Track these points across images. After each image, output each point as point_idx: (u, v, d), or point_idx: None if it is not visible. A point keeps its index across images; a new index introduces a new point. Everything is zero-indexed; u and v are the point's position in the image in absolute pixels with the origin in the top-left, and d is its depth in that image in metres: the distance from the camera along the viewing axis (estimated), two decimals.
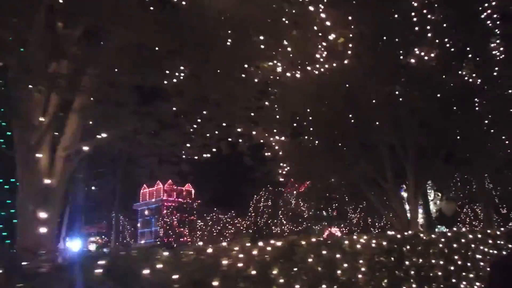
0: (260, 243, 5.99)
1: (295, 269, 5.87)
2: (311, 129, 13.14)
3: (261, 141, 12.70)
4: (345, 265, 6.86)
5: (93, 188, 33.64)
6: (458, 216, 32.58)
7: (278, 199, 42.45)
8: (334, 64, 11.71)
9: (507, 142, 15.06)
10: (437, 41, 12.43)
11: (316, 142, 13.18)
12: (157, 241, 38.79)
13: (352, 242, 7.28)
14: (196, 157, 10.39)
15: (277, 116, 12.15)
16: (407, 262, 8.36)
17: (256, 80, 10.20)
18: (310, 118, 12.85)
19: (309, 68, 11.61)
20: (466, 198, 26.16)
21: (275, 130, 13.07)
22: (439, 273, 9.09)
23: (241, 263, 5.30)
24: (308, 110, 12.49)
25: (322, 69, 11.67)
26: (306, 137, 13.40)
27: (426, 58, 12.13)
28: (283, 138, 13.25)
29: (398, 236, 8.51)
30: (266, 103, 12.16)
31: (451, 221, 18.46)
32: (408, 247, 8.52)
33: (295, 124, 13.30)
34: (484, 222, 16.34)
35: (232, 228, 39.15)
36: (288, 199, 42.82)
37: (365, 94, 12.19)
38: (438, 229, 29.81)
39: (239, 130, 10.53)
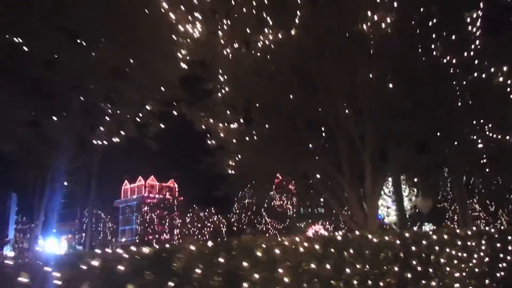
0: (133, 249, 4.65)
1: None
2: (261, 115, 11.63)
3: (203, 127, 11.25)
4: (256, 276, 5.43)
5: (65, 183, 32.13)
6: (444, 213, 31.25)
7: (263, 196, 41.09)
8: (280, 36, 10.22)
9: (488, 132, 13.66)
10: (395, 4, 10.69)
11: (268, 129, 11.62)
12: (136, 239, 37.43)
13: (269, 246, 5.85)
14: (105, 142, 9.03)
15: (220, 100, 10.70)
16: (348, 270, 6.92)
17: (181, 56, 8.79)
18: (257, 103, 11.39)
19: (252, 43, 10.18)
20: (444, 194, 24.79)
21: (227, 115, 11.65)
22: (392, 282, 7.68)
23: None
24: (256, 92, 10.98)
25: (267, 41, 10.20)
26: (257, 124, 11.85)
27: (382, 24, 10.39)
28: (233, 125, 11.79)
29: (339, 238, 7.10)
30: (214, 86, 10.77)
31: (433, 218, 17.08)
32: (351, 251, 7.10)
33: (244, 111, 11.81)
34: (459, 221, 14.92)
35: (211, 226, 37.80)
36: (273, 196, 41.49)
37: (318, 72, 10.67)
38: (425, 226, 28.44)
39: (148, 108, 9.14)
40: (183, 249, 4.81)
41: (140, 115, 9.15)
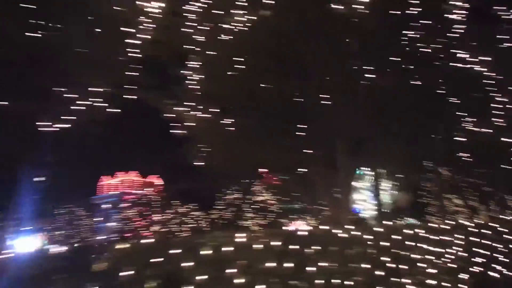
0: None
1: None
2: (239, 104, 10.86)
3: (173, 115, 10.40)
4: (198, 278, 4.80)
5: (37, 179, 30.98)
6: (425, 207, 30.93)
7: (248, 191, 40.48)
8: (255, 18, 9.47)
9: (464, 125, 13.17)
10: None
11: (248, 120, 10.71)
12: (113, 236, 36.48)
13: (217, 244, 5.23)
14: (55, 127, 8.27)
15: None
16: (311, 268, 6.36)
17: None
18: (234, 92, 10.66)
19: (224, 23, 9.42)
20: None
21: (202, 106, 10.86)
22: (361, 280, 7.13)
23: None
24: (231, 79, 10.23)
25: (241, 24, 9.45)
26: (236, 115, 10.97)
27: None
28: (206, 115, 10.98)
29: (300, 233, 6.52)
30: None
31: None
32: (316, 247, 6.53)
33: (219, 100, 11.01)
34: (438, 215, 14.53)
35: (193, 223, 37.03)
36: (257, 191, 40.91)
37: (296, 56, 9.94)
38: (406, 221, 28.14)
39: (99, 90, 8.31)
40: (108, 247, 4.17)
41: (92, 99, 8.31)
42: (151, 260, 4.48)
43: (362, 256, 7.22)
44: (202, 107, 11.11)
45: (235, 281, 5.22)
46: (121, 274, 4.07)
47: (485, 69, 12.85)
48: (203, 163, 11.51)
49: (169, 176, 37.65)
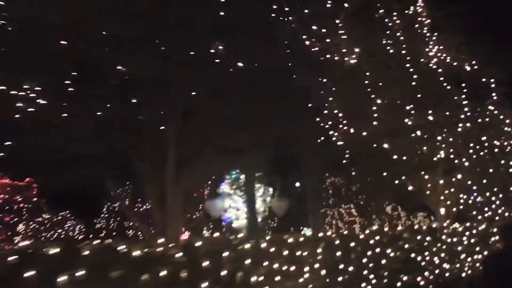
0: None
1: None
2: None
3: None
4: None
5: None
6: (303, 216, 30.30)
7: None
8: None
9: (346, 127, 11.93)
10: None
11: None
12: None
13: None
14: None
15: None
16: None
17: None
18: None
19: None
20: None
21: None
22: None
23: None
24: None
25: None
26: None
27: None
28: None
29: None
30: None
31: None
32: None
33: None
34: (311, 225, 13.16)
35: (62, 232, 32.78)
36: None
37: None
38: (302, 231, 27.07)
39: None
40: None
41: None
42: None
43: (169, 282, 5.08)
44: None
45: None
46: None
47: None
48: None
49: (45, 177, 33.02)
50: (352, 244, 8.51)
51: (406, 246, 9.84)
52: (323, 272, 7.76)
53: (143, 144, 8.21)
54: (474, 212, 14.63)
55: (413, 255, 9.91)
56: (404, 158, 12.48)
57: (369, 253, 8.79)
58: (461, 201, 14.62)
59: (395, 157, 12.56)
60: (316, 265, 7.65)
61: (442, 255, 10.75)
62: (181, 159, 8.20)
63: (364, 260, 8.65)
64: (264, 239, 6.75)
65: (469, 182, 14.32)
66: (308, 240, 7.71)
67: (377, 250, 9.03)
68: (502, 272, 4.06)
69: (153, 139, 8.24)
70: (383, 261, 9.07)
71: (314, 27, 10.78)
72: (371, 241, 9.02)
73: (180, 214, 8.26)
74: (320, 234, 8.48)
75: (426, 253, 10.27)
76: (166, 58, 7.58)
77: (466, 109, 12.58)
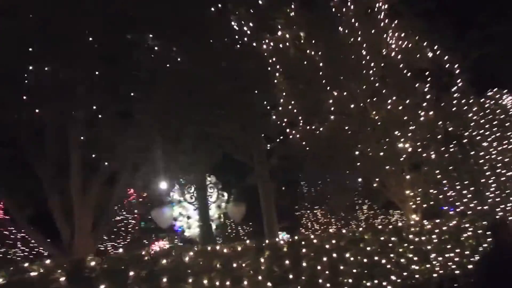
0: None
1: None
2: None
3: None
4: None
5: None
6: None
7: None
8: None
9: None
10: None
11: None
12: None
13: None
14: None
15: None
16: None
17: None
18: None
19: None
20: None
21: None
22: None
23: None
24: None
25: None
26: None
27: None
28: None
29: None
30: None
31: None
32: None
33: None
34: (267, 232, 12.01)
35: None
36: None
37: None
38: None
39: None
40: None
41: None
42: None
43: None
44: None
45: None
46: None
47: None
48: None
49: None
50: (304, 250, 7.53)
51: (368, 248, 8.92)
52: (268, 284, 6.76)
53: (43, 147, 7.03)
54: (445, 208, 13.90)
55: (376, 258, 8.97)
56: (367, 152, 11.65)
57: (324, 259, 7.82)
58: (431, 196, 13.87)
59: (357, 153, 11.69)
60: (259, 278, 6.64)
61: (410, 255, 9.88)
62: (91, 164, 7.07)
63: (319, 268, 7.68)
64: (190, 251, 5.69)
65: (439, 176, 13.60)
66: (248, 249, 6.66)
67: (334, 255, 8.09)
68: (493, 270, 4.22)
69: (56, 141, 7.08)
70: (342, 267, 8.11)
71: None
72: (327, 246, 8.07)
73: (89, 227, 7.12)
74: (267, 241, 7.41)
75: (392, 255, 9.38)
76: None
77: (428, 96, 11.76)
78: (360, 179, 12.22)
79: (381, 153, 11.61)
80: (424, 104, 11.88)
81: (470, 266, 11.45)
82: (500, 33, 16.44)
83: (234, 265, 6.27)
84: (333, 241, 8.16)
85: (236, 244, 6.56)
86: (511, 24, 16.20)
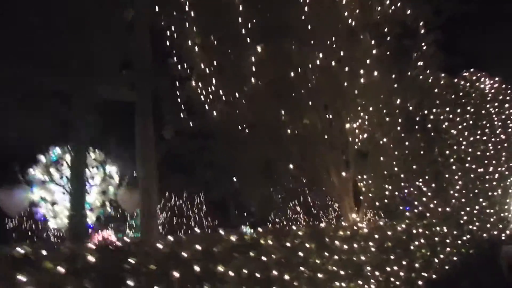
0: None
1: None
2: None
3: None
4: None
5: None
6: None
7: None
8: None
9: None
10: None
11: None
12: None
13: None
14: None
15: None
16: None
17: None
18: None
19: None
20: None
21: None
22: None
23: None
24: None
25: None
26: None
27: None
28: None
29: None
30: None
31: None
32: None
33: None
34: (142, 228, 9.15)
35: None
36: None
37: None
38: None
39: None
40: None
41: None
42: None
43: None
44: None
45: None
46: None
47: None
48: None
49: None
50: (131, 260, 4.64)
51: (264, 258, 6.08)
52: None
53: None
54: (401, 207, 11.23)
55: (276, 273, 6.15)
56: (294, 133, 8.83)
57: (175, 273, 4.97)
58: (386, 192, 11.16)
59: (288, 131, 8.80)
60: None
61: (333, 268, 7.11)
62: None
63: None
64: None
65: (396, 169, 10.90)
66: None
67: (196, 267, 5.23)
68: None
69: None
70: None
71: None
72: (185, 254, 5.20)
73: None
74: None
75: (302, 268, 6.58)
76: None
77: (375, 52, 8.79)
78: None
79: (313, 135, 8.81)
80: (376, 73, 9.02)
81: (420, 283, 8.85)
82: None
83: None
84: (198, 247, 5.29)
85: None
86: None
